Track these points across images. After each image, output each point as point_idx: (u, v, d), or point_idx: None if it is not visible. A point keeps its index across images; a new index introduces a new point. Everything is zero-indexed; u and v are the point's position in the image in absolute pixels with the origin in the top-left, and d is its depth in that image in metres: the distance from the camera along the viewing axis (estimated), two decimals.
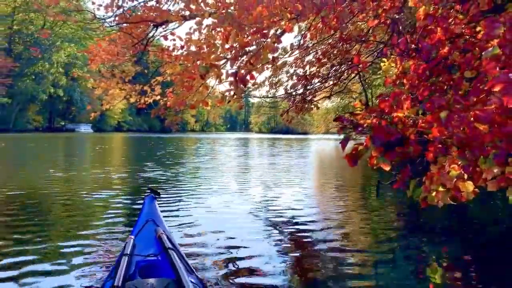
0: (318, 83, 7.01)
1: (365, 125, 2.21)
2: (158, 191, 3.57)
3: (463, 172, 2.11)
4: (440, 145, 2.05)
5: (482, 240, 4.74)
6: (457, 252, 4.31)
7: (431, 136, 2.07)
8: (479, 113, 2.00)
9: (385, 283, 3.35)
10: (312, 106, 7.30)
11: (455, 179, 2.15)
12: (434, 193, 2.25)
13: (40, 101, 58.85)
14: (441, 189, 2.40)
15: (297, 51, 6.36)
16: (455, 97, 2.40)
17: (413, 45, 2.81)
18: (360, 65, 4.33)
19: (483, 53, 1.97)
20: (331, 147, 30.80)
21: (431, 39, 2.88)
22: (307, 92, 6.84)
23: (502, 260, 4.00)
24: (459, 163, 2.07)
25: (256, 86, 7.26)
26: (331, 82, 7.13)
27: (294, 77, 6.75)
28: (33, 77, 57.12)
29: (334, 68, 6.36)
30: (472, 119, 1.99)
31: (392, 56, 3.24)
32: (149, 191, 3.56)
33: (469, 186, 2.14)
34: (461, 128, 1.97)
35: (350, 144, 2.57)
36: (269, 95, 7.99)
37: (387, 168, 2.10)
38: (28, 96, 56.53)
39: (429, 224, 5.55)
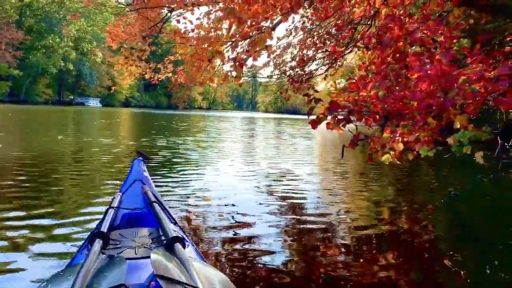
0: (315, 66, 7.77)
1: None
2: (147, 155, 3.59)
3: (392, 135, 2.91)
4: (376, 116, 2.84)
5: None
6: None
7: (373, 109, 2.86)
8: (407, 93, 2.79)
9: (386, 252, 3.60)
10: (308, 86, 8.06)
11: (391, 142, 2.95)
12: (378, 152, 3.07)
13: (50, 74, 59.65)
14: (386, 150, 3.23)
15: (299, 35, 7.14)
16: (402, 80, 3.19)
17: (374, 40, 3.56)
18: (335, 53, 5.09)
19: (409, 50, 2.74)
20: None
21: (391, 34, 3.63)
22: (304, 74, 7.58)
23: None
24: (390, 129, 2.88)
25: (260, 67, 8.06)
26: (326, 65, 7.86)
27: (297, 58, 7.52)
28: (44, 50, 57.75)
29: (327, 53, 7.07)
30: (402, 97, 2.78)
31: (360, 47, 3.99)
32: (137, 154, 3.55)
33: (400, 146, 2.94)
34: (393, 104, 2.75)
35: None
36: (273, 75, 8.74)
37: (340, 132, 2.90)
38: (39, 69, 57.28)
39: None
